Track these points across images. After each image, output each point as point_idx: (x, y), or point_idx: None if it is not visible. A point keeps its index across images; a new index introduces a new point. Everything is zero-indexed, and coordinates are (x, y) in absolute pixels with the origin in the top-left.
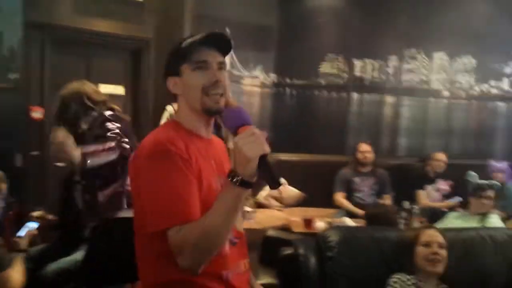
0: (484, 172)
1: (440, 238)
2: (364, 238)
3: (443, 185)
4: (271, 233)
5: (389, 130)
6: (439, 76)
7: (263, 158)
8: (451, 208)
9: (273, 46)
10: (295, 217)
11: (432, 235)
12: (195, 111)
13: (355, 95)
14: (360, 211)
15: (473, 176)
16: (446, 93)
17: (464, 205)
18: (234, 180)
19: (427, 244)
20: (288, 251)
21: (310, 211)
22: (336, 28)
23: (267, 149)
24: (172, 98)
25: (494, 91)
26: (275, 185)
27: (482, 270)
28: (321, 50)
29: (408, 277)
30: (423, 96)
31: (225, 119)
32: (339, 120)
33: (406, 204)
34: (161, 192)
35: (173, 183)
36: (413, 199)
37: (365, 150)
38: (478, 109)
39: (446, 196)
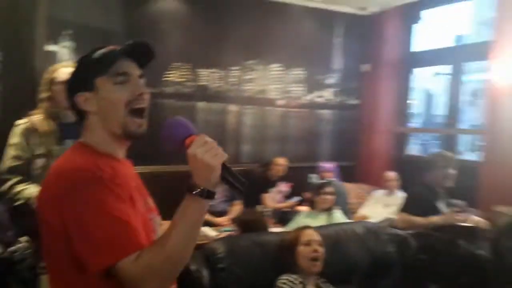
0: (316, 173)
1: (317, 237)
2: (248, 245)
3: (284, 187)
4: None
5: (233, 138)
6: (275, 86)
7: (223, 163)
8: (294, 207)
9: None
10: None
11: (311, 234)
12: (112, 133)
13: (201, 104)
14: (217, 219)
15: (313, 178)
16: (281, 102)
17: (311, 204)
18: (199, 192)
19: (308, 244)
20: None
21: (166, 224)
22: (181, 37)
23: (224, 153)
24: (25, 112)
25: (320, 100)
26: (242, 187)
27: (348, 260)
28: (167, 58)
29: (294, 276)
30: (262, 105)
31: (168, 132)
32: None
33: (260, 208)
34: (103, 223)
35: (112, 210)
36: (259, 203)
37: None
38: (308, 116)
39: (287, 197)
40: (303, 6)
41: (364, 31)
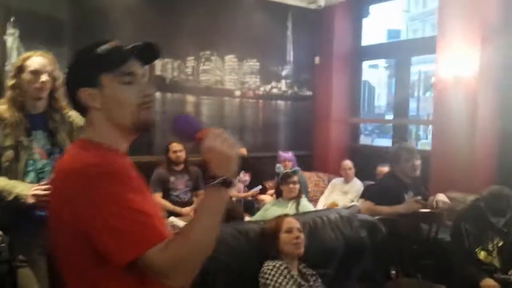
0: (275, 162)
1: (298, 224)
2: (233, 234)
3: (245, 177)
4: None
5: None
6: (231, 77)
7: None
8: (255, 196)
9: (66, 40)
10: None
11: (291, 221)
12: (120, 127)
13: (157, 94)
14: (182, 210)
15: (279, 167)
16: (238, 93)
17: (277, 193)
18: (220, 182)
19: (289, 231)
20: None
21: None
22: (133, 26)
23: (237, 142)
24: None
25: (275, 91)
26: (249, 169)
27: (325, 245)
28: None
29: (279, 262)
30: (219, 96)
31: (180, 127)
32: None
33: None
34: (124, 215)
35: (130, 203)
36: None
37: (177, 149)
38: (264, 107)
39: (248, 187)
40: None
41: (315, 24)
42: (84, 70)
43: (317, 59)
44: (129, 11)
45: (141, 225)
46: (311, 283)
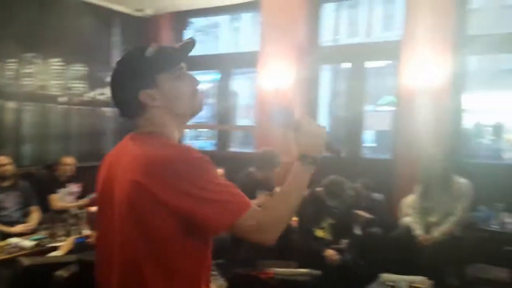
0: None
1: None
2: None
3: (75, 188)
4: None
5: (11, 138)
6: (56, 82)
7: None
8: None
9: None
10: None
11: None
12: (179, 117)
13: None
14: (13, 229)
15: None
16: (63, 99)
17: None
18: (311, 161)
19: None
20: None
21: None
22: None
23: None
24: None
25: (102, 97)
26: (338, 153)
27: None
28: None
29: None
30: (43, 102)
31: (281, 116)
32: None
33: (73, 211)
34: (223, 190)
35: (222, 180)
36: (46, 206)
37: (3, 162)
38: (91, 114)
39: (80, 198)
40: (80, 1)
41: (141, 32)
42: (140, 75)
43: None
44: None
45: (237, 193)
46: None
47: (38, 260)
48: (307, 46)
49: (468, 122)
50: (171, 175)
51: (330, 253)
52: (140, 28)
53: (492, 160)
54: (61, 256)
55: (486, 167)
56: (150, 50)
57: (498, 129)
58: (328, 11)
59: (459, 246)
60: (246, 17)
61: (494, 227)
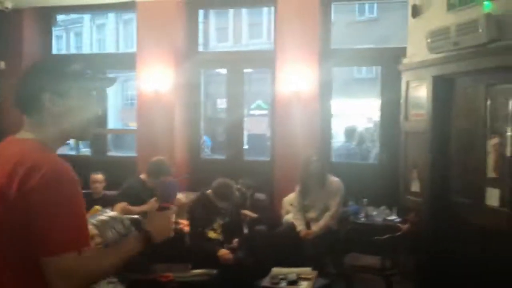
0: None
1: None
2: None
3: None
4: None
5: None
6: None
7: None
8: None
9: None
10: None
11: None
12: (66, 136)
13: None
14: None
15: None
16: None
17: None
18: (150, 240)
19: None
20: None
21: None
22: None
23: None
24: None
25: None
26: None
27: None
28: None
29: None
30: None
31: (162, 190)
32: None
33: None
34: (69, 217)
35: (78, 209)
36: None
37: None
38: None
39: None
40: None
41: (1, 26)
42: (55, 79)
43: (2, 64)
44: None
45: (78, 230)
46: None
47: None
48: (186, 51)
49: (335, 125)
50: (42, 184)
51: (223, 252)
52: (1, 22)
53: (357, 160)
54: None
55: (352, 166)
56: (78, 66)
57: (351, 132)
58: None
59: (335, 238)
60: (111, 17)
61: (363, 220)
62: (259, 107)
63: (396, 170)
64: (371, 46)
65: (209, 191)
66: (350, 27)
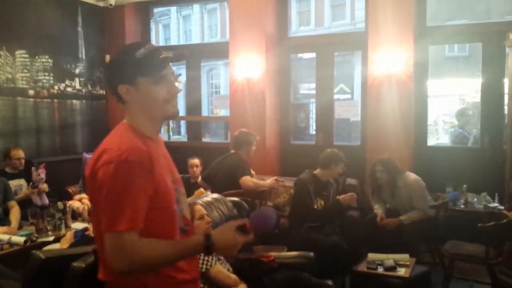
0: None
1: (204, 210)
2: None
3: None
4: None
5: None
6: (23, 75)
7: None
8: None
9: None
10: None
11: (201, 209)
12: (153, 118)
13: None
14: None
15: None
16: (31, 92)
17: None
18: (211, 249)
19: (202, 217)
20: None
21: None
22: None
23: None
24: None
25: (70, 89)
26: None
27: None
28: None
29: None
30: (11, 95)
31: (256, 222)
32: None
33: (60, 205)
34: (124, 198)
35: (135, 191)
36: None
37: None
38: (59, 107)
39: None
40: None
41: (105, 22)
42: (125, 71)
43: (107, 57)
44: None
45: (134, 211)
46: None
47: (55, 252)
48: (276, 37)
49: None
50: (104, 170)
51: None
52: (104, 18)
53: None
54: (77, 248)
55: (450, 150)
56: (141, 52)
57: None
58: None
59: (434, 225)
60: (196, 7)
61: (462, 206)
62: (342, 91)
63: (499, 154)
64: (470, 22)
65: (316, 171)
66: (446, 2)
